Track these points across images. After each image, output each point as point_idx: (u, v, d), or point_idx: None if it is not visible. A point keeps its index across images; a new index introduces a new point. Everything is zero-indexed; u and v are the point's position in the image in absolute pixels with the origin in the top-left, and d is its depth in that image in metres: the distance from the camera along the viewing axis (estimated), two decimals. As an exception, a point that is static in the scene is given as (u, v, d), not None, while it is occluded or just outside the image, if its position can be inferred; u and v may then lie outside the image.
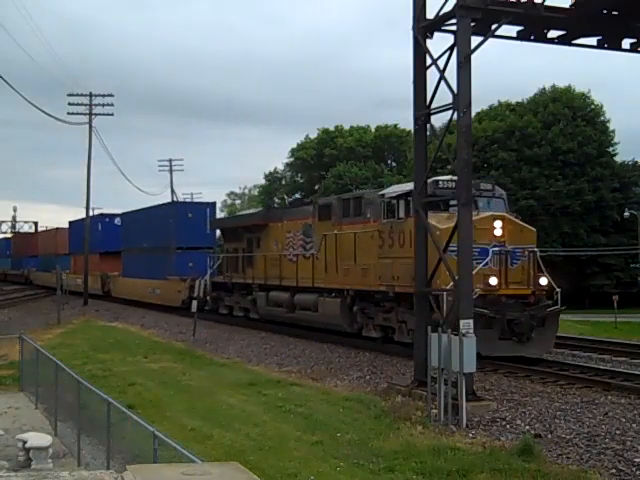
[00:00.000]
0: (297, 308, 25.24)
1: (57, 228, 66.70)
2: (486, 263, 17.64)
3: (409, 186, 19.10)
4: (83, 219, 54.76)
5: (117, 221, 51.44)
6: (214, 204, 42.61)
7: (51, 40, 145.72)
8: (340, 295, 22.38)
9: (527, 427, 12.51)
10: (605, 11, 15.27)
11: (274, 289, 26.85)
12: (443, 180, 19.23)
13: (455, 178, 18.59)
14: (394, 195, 20.02)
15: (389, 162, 73.19)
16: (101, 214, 54.95)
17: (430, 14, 15.13)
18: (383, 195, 20.71)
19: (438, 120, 34.56)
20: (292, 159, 75.72)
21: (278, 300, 26.53)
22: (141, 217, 45.29)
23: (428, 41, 15.23)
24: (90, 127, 49.23)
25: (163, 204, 45.03)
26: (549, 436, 11.93)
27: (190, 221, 38.98)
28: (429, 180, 17.63)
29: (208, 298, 32.73)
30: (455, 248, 16.59)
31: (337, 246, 22.51)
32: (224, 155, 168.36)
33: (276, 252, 27.13)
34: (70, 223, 60.52)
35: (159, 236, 40.83)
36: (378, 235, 20.29)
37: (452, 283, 14.86)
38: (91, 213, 52.94)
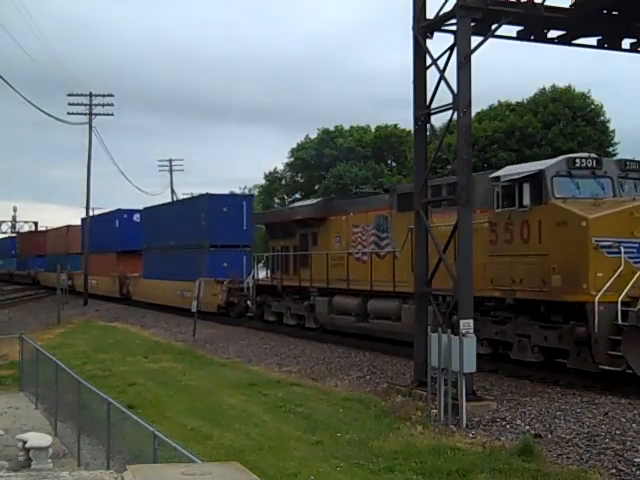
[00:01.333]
0: (371, 316, 21.31)
1: (68, 226, 62.51)
2: None
3: (533, 166, 16.47)
4: (98, 215, 53.25)
5: (136, 217, 47.33)
6: (252, 197, 38.38)
7: (51, 40, 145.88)
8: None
9: (527, 427, 12.51)
10: (605, 11, 15.28)
11: (339, 293, 22.85)
12: (581, 158, 15.90)
13: (593, 156, 16.23)
14: (516, 177, 16.09)
15: (389, 162, 73.13)
16: (119, 209, 50.16)
17: (430, 14, 15.14)
18: (498, 178, 16.60)
19: (438, 120, 34.50)
20: (292, 159, 75.66)
21: (345, 307, 22.49)
22: (166, 212, 41.21)
23: (428, 41, 15.24)
24: (90, 127, 49.35)
25: (194, 197, 39.40)
26: (549, 436, 11.93)
27: (225, 216, 34.80)
28: (561, 158, 16.15)
29: (249, 303, 29.52)
30: (608, 243, 14.31)
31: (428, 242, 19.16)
32: (224, 155, 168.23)
33: (340, 250, 23.26)
34: (82, 220, 56.57)
35: (189, 233, 36.61)
36: (489, 228, 16.54)
37: (601, 289, 13.43)
38: (91, 213, 52.83)
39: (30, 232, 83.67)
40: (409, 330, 17.77)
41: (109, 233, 48.61)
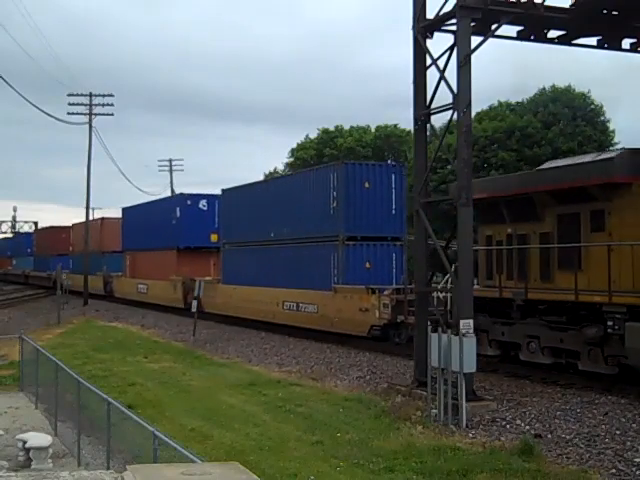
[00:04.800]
0: None
1: (103, 218, 53.28)
2: None
3: None
4: (149, 203, 45.15)
5: (203, 204, 37.14)
6: (401, 168, 25.53)
7: (51, 39, 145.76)
8: None
9: (527, 427, 12.52)
10: (605, 11, 15.30)
11: None
12: None
13: None
14: None
15: (389, 162, 73.21)
16: (181, 194, 39.23)
17: (430, 14, 15.17)
18: None
19: (438, 120, 34.50)
20: (292, 159, 75.72)
21: None
22: (263, 193, 29.67)
23: (428, 41, 15.27)
24: (90, 127, 49.28)
25: (317, 167, 28.10)
26: (549, 436, 11.94)
27: (367, 194, 23.68)
28: None
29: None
30: None
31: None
32: (224, 155, 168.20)
33: None
34: (124, 210, 47.22)
35: (307, 221, 25.46)
36: None
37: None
38: (91, 213, 52.21)
39: (52, 227, 70.68)
40: None
41: (165, 225, 38.21)
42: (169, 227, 38.06)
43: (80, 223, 55.52)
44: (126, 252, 45.33)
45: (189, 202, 37.64)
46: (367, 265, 23.26)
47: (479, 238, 18.90)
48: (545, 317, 16.04)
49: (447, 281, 17.60)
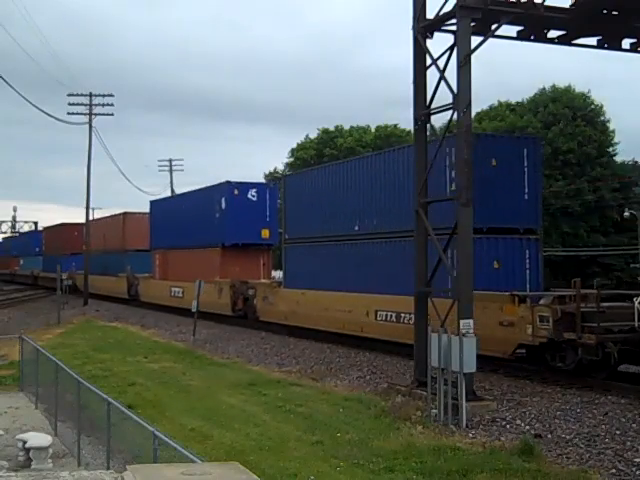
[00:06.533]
0: None
1: (125, 213, 47.25)
2: None
3: None
4: (187, 193, 39.61)
5: (252, 194, 32.09)
6: (534, 140, 20.43)
7: (51, 39, 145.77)
8: None
9: (527, 427, 12.53)
10: (605, 11, 15.31)
11: None
12: None
13: None
14: None
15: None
16: (227, 182, 32.65)
17: (430, 14, 15.17)
18: None
19: (438, 120, 34.43)
20: (292, 159, 75.74)
21: None
22: (341, 177, 23.67)
23: (428, 41, 15.27)
24: (90, 127, 49.25)
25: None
26: (549, 436, 11.94)
27: (494, 175, 18.15)
28: None
29: (610, 345, 14.70)
30: None
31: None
32: (224, 155, 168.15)
33: None
34: (152, 204, 41.92)
35: (412, 209, 17.68)
36: None
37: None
38: (91, 213, 51.95)
39: (61, 225, 64.36)
40: None
41: (207, 218, 33.19)
42: (212, 221, 32.69)
43: (98, 219, 52.72)
44: (155, 250, 39.58)
45: (236, 191, 32.10)
46: (495, 265, 18.14)
47: None
48: None
49: None
